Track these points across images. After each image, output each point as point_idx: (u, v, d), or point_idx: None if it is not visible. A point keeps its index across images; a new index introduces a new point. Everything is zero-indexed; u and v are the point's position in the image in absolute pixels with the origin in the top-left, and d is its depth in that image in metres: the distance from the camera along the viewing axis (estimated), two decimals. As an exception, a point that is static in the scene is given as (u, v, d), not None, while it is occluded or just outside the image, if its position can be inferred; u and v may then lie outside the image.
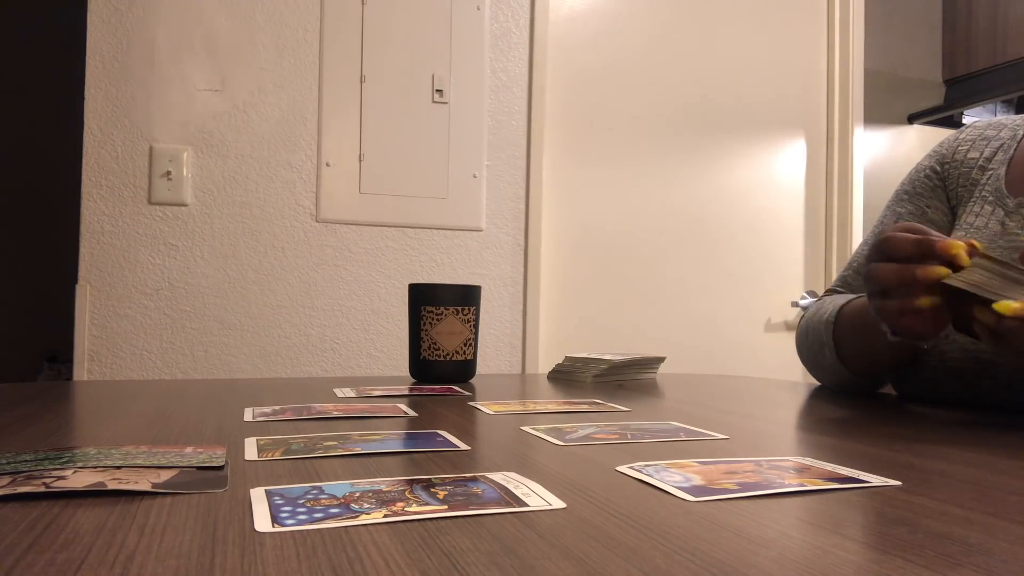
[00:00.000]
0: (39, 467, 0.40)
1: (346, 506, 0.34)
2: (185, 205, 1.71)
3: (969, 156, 0.89)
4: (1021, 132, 0.86)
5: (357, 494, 0.36)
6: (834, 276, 2.32)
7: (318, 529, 0.30)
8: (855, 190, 2.31)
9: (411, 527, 0.31)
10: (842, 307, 0.84)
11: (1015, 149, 0.85)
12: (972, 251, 0.62)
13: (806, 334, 0.93)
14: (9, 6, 2.59)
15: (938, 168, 0.91)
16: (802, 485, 0.39)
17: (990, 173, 0.85)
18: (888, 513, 0.34)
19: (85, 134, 1.65)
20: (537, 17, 1.98)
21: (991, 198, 0.82)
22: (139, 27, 1.68)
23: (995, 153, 0.86)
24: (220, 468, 0.42)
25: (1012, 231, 0.78)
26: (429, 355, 0.94)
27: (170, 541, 0.29)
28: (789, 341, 2.30)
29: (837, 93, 2.34)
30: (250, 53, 1.75)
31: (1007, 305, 0.56)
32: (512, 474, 0.41)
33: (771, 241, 2.29)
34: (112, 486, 0.36)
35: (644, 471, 0.42)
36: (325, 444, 0.49)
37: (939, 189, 0.90)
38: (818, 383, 0.99)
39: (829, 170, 2.35)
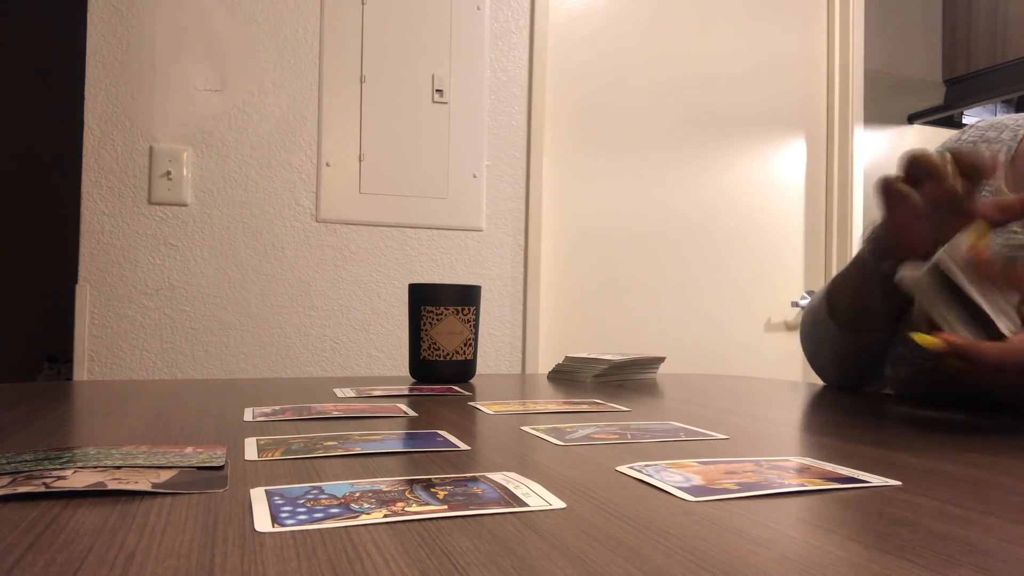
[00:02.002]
0: (39, 467, 0.40)
1: (346, 506, 0.34)
2: (185, 205, 1.71)
3: None
4: (1022, 131, 0.86)
5: (357, 494, 0.36)
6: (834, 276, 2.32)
7: (318, 529, 0.30)
8: (855, 190, 2.32)
9: (411, 527, 0.31)
10: (836, 275, 0.90)
11: (1015, 149, 0.85)
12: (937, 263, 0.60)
13: (806, 316, 0.97)
14: (9, 6, 2.59)
15: None
16: (802, 485, 0.39)
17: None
18: (888, 513, 0.34)
19: (85, 134, 1.65)
20: (537, 17, 1.98)
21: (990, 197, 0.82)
22: (139, 27, 1.68)
23: (996, 155, 0.86)
24: (220, 468, 0.41)
25: (1011, 228, 0.78)
26: (429, 355, 0.94)
27: (170, 541, 0.29)
28: (789, 341, 2.30)
29: (837, 93, 2.34)
30: (250, 53, 1.75)
31: (923, 338, 0.57)
32: (512, 474, 0.41)
33: (771, 241, 2.29)
34: (112, 486, 0.36)
35: (644, 471, 0.42)
36: (325, 444, 0.49)
37: None
38: (818, 383, 0.99)
39: (829, 170, 2.35)
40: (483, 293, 1.92)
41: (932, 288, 0.58)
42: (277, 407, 0.67)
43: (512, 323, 1.96)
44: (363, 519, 0.32)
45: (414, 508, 0.33)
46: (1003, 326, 0.55)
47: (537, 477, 0.40)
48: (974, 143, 0.90)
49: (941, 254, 0.58)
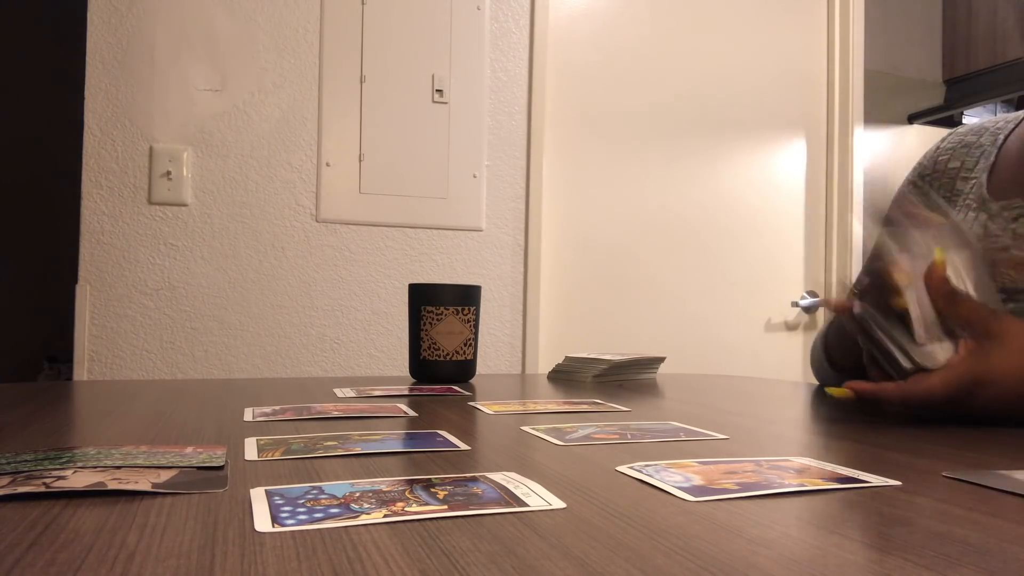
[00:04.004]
0: (39, 467, 0.40)
1: (346, 506, 0.34)
2: (185, 205, 1.71)
3: (950, 167, 0.89)
4: (1002, 136, 0.86)
5: (357, 494, 0.36)
6: (834, 276, 2.32)
7: (318, 529, 0.30)
8: (855, 190, 2.31)
9: (411, 527, 0.31)
10: (830, 322, 0.93)
11: (996, 155, 0.85)
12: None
13: (812, 353, 1.00)
14: (9, 6, 2.59)
15: (919, 182, 0.93)
16: (802, 485, 0.39)
17: (973, 181, 0.85)
18: (888, 513, 0.34)
19: (85, 134, 1.65)
20: (537, 17, 1.98)
21: (974, 204, 0.83)
22: (139, 27, 1.68)
23: (977, 161, 0.86)
24: (220, 468, 0.42)
25: (993, 233, 0.78)
26: (429, 355, 0.94)
27: (170, 541, 0.29)
28: (789, 341, 2.30)
29: (837, 93, 2.34)
30: (250, 53, 1.75)
31: (833, 390, 0.63)
32: (512, 474, 0.41)
33: (771, 241, 2.29)
34: (112, 486, 0.36)
35: (644, 471, 0.42)
36: (325, 444, 0.49)
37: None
38: (818, 383, 0.99)
39: (829, 170, 2.35)
40: (483, 293, 1.92)
41: (862, 336, 0.67)
42: (277, 407, 0.67)
43: (512, 323, 1.96)
44: (363, 519, 0.32)
45: (414, 508, 0.33)
46: (905, 361, 0.62)
47: (537, 477, 0.40)
48: (953, 148, 0.90)
49: (856, 306, 0.67)
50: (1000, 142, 0.85)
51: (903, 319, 0.64)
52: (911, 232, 0.66)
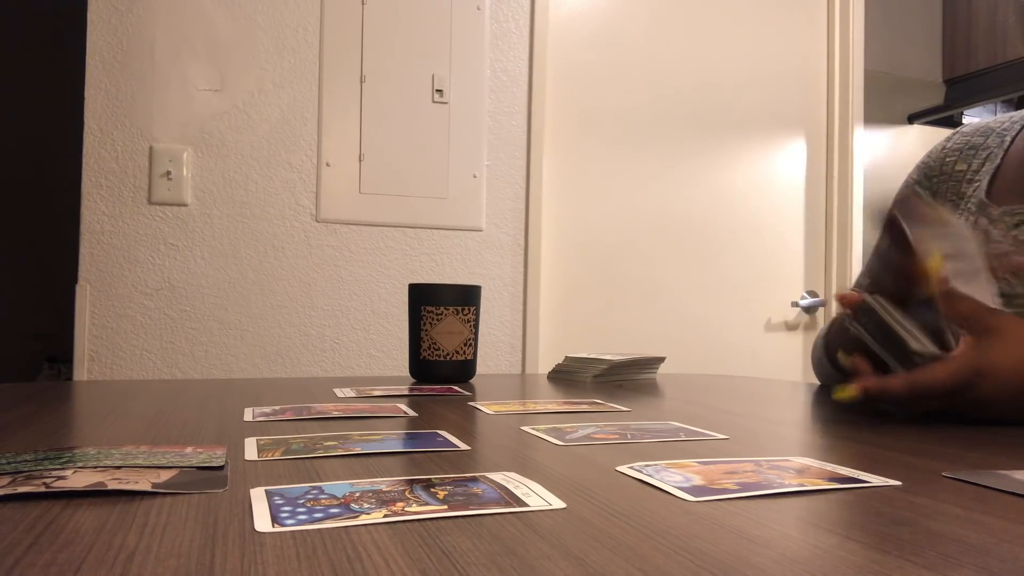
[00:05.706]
0: (39, 467, 0.40)
1: (346, 506, 0.34)
2: (185, 205, 1.71)
3: (957, 169, 0.89)
4: (1008, 138, 0.86)
5: (357, 494, 0.36)
6: (834, 276, 2.32)
7: (318, 529, 0.30)
8: (855, 190, 2.32)
9: (411, 527, 0.31)
10: (832, 321, 0.93)
11: (1002, 158, 0.85)
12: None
13: (813, 352, 1.01)
14: (9, 6, 2.59)
15: (924, 182, 0.93)
16: (802, 485, 0.39)
17: (976, 184, 0.85)
18: (888, 513, 0.34)
19: (85, 134, 1.65)
20: (537, 17, 1.98)
21: (974, 208, 0.83)
22: (139, 27, 1.68)
23: (983, 164, 0.86)
24: (220, 468, 0.42)
25: (994, 238, 0.78)
26: (429, 355, 0.94)
27: (170, 541, 0.29)
28: (789, 341, 2.30)
29: (837, 93, 2.34)
30: (250, 53, 1.75)
31: (840, 392, 0.63)
32: (512, 474, 0.41)
33: (771, 241, 2.29)
34: (112, 486, 0.36)
35: (644, 471, 0.42)
36: (325, 444, 0.49)
37: None
38: (818, 383, 1.00)
39: (829, 170, 2.35)
40: (483, 293, 1.92)
41: (869, 324, 0.67)
42: (277, 407, 0.67)
43: (512, 323, 1.96)
44: (363, 519, 0.32)
45: (414, 508, 0.33)
46: (914, 344, 0.63)
47: (537, 477, 0.40)
48: (960, 150, 0.90)
49: (867, 297, 0.67)
50: (1007, 144, 0.85)
51: (913, 308, 0.64)
52: (924, 231, 0.67)
